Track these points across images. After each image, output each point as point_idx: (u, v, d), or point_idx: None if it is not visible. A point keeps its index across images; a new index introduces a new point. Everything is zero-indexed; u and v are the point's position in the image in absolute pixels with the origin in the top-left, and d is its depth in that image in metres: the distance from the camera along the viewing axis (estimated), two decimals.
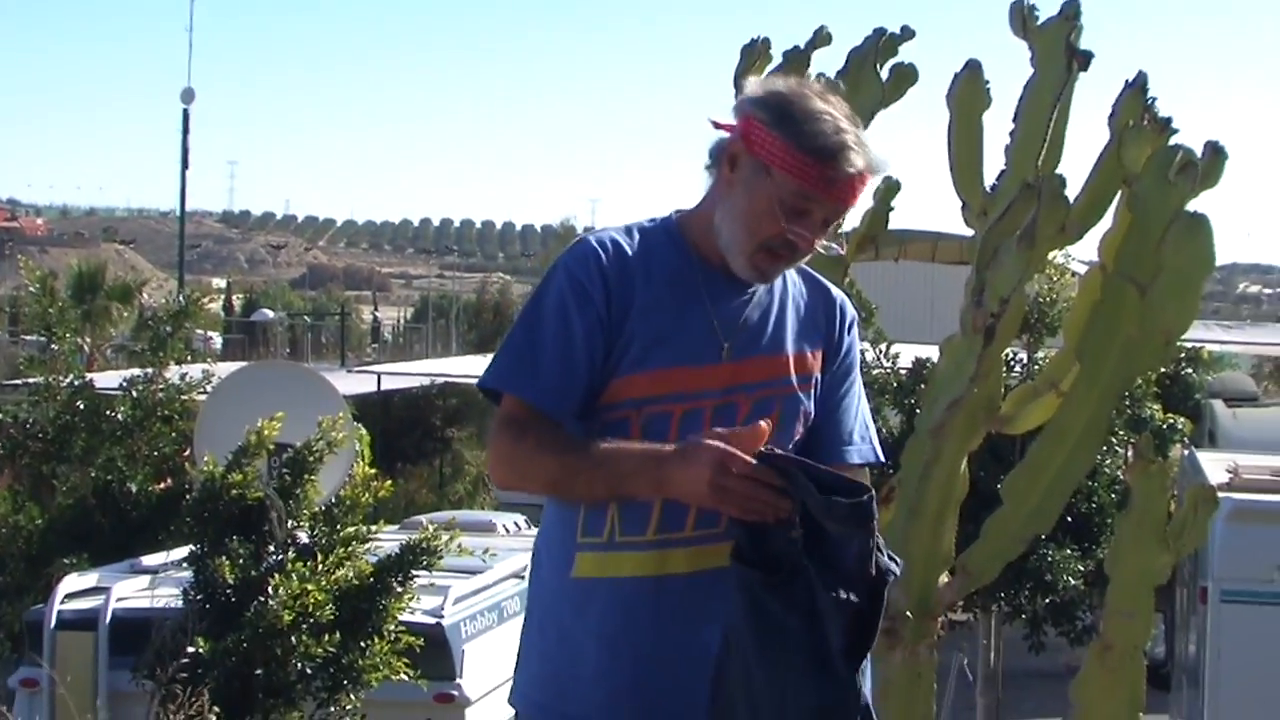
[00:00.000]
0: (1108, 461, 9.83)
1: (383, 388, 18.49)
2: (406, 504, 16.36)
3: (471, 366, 19.32)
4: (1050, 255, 4.55)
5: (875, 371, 10.08)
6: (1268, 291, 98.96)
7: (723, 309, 2.49)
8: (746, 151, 2.43)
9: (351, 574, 6.52)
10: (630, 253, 2.47)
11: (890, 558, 2.29)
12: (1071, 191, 3.87)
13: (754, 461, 2.24)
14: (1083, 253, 5.51)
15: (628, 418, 2.43)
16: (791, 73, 4.22)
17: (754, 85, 2.51)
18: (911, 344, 10.78)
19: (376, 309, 59.46)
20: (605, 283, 2.44)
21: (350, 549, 6.63)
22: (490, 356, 2.61)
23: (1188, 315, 3.82)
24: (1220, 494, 4.76)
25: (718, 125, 2.50)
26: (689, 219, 2.55)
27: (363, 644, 6.44)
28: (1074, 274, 9.61)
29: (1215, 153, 3.75)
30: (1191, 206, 3.73)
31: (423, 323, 49.34)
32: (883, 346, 10.46)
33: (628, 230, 2.53)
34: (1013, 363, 9.74)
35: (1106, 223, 3.91)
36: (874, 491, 2.27)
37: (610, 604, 2.45)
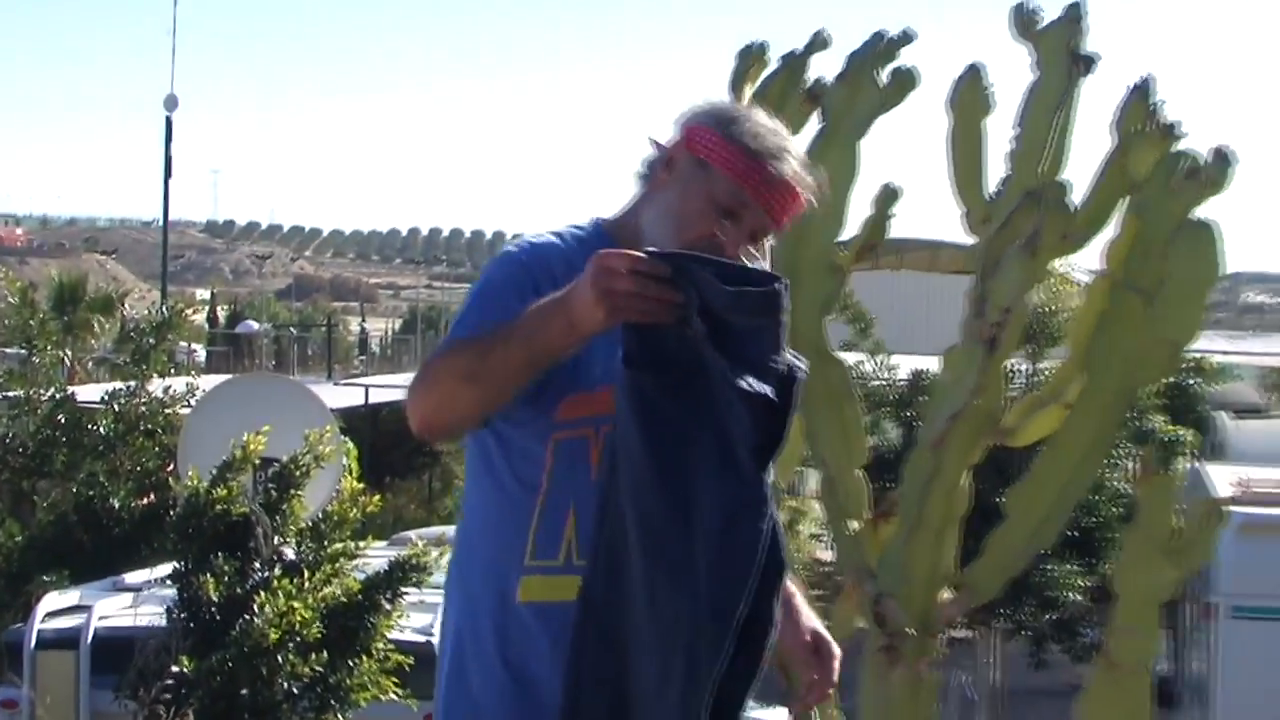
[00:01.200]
0: (1111, 475, 9.75)
1: (371, 400, 18.41)
2: (395, 519, 16.25)
3: None
4: (1053, 264, 4.47)
5: (874, 383, 10.03)
6: (1272, 301, 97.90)
7: None
8: (686, 151, 2.37)
9: (339, 591, 6.45)
10: (569, 262, 2.32)
11: (796, 357, 2.21)
12: (1075, 198, 3.80)
13: (637, 255, 2.13)
14: (1084, 262, 5.44)
15: (586, 437, 2.32)
16: (790, 77, 4.16)
17: (697, 103, 2.48)
18: (909, 355, 10.74)
19: (364, 320, 59.29)
20: (540, 289, 2.28)
21: (338, 565, 6.57)
22: None
23: (1193, 324, 3.75)
24: (1229, 508, 4.69)
25: (658, 144, 2.43)
26: (614, 228, 2.45)
27: (351, 663, 6.38)
28: (1076, 283, 9.53)
29: (1222, 158, 3.68)
30: (1198, 214, 3.65)
31: (411, 334, 49.22)
32: (881, 358, 10.41)
33: (560, 236, 2.43)
34: (1014, 374, 9.67)
35: (1111, 231, 3.84)
36: (784, 280, 2.18)
37: (566, 628, 2.29)
